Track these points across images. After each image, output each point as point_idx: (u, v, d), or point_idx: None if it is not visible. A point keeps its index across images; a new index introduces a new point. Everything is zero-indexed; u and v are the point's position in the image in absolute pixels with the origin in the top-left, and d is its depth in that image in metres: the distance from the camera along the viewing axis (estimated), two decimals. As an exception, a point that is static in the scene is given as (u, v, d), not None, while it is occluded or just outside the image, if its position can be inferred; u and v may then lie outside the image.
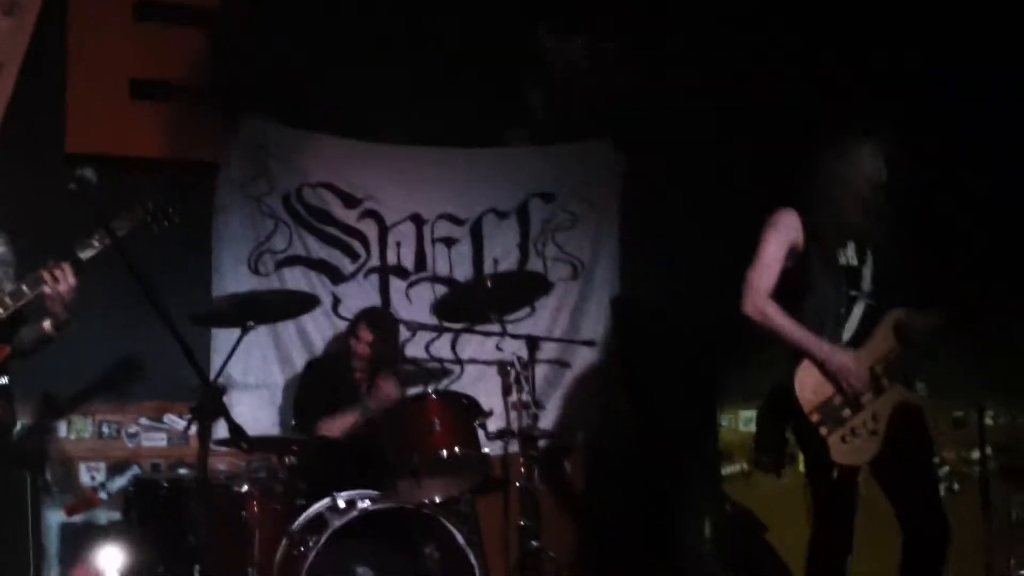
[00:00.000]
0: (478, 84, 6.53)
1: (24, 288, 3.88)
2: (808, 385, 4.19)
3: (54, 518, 5.45)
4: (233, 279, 6.11)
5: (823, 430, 4.15)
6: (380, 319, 5.95)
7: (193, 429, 4.39)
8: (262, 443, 5.17)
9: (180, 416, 5.84)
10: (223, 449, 5.06)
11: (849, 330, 4.27)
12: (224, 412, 3.50)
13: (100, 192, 3.85)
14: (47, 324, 3.97)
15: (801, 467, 4.44)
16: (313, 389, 5.76)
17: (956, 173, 5.48)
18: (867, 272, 4.32)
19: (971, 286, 4.48)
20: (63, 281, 3.86)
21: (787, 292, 4.29)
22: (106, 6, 5.80)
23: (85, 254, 3.92)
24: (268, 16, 6.06)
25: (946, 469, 5.71)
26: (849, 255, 4.31)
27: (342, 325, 6.25)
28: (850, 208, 4.30)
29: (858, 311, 4.28)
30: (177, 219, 4.13)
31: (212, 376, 5.01)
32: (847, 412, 4.18)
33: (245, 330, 5.02)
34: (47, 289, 3.85)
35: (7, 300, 3.88)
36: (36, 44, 5.58)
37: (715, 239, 6.06)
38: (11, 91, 5.53)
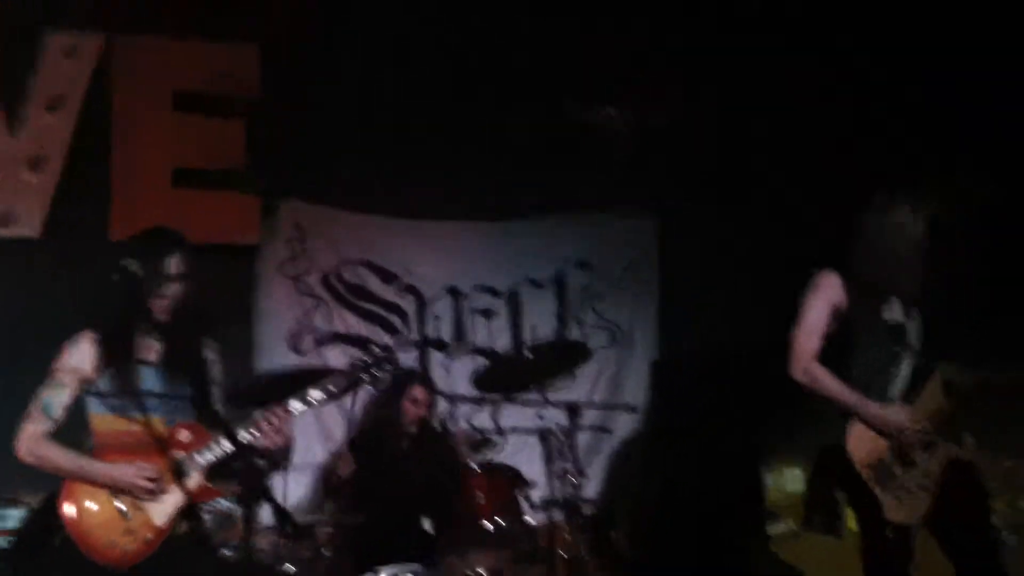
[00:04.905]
0: (512, 157, 6.59)
1: (243, 433, 3.72)
2: (863, 444, 4.15)
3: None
4: (273, 358, 6.17)
5: (876, 489, 4.12)
6: (429, 379, 5.95)
7: (238, 512, 4.40)
8: (308, 528, 5.14)
9: (224, 499, 5.84)
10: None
11: (897, 388, 4.24)
12: (270, 498, 3.50)
13: (144, 283, 3.73)
14: (261, 462, 3.84)
15: (852, 525, 4.39)
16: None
17: (999, 229, 5.45)
18: (913, 329, 4.30)
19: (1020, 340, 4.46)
20: (280, 434, 3.74)
21: (833, 353, 4.27)
22: (147, 98, 5.94)
23: (298, 408, 3.79)
24: (304, 102, 6.17)
25: (999, 521, 5.62)
26: (895, 312, 4.29)
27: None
28: (891, 266, 4.30)
29: (906, 368, 4.24)
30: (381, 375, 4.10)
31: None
32: (899, 470, 4.15)
33: (287, 410, 5.02)
34: (265, 442, 3.72)
35: (221, 447, 3.72)
36: (79, 136, 5.71)
37: (754, 301, 6.06)
38: (56, 182, 5.66)
